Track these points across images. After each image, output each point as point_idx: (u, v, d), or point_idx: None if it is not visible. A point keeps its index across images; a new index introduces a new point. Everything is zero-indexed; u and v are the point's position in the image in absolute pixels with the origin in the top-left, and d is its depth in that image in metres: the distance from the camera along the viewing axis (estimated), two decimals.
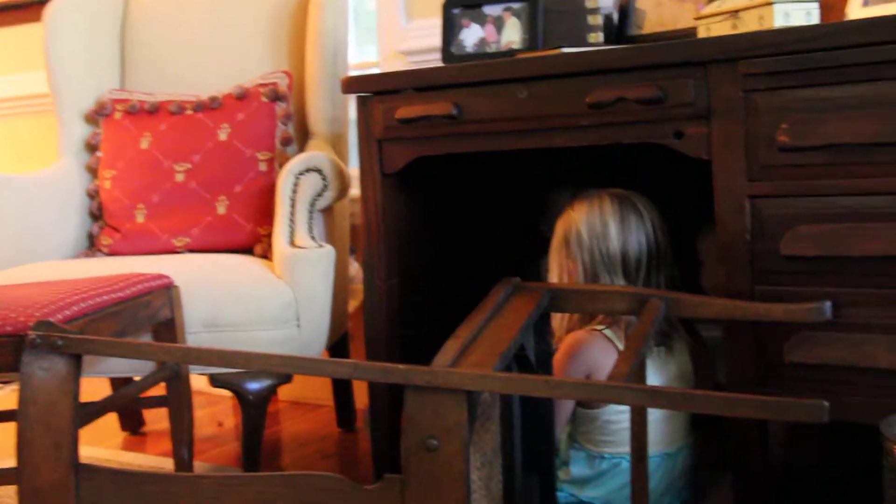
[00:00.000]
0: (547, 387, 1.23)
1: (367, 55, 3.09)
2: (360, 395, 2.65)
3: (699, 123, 1.59)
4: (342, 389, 2.59)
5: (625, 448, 1.78)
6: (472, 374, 1.26)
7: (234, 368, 1.64)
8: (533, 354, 1.60)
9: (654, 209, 1.84)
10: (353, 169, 2.51)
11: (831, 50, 1.45)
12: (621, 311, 1.60)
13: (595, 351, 1.79)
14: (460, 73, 1.82)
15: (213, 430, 2.69)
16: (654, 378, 1.77)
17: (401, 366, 1.30)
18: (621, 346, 1.78)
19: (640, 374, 1.47)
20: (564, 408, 1.77)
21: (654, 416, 1.74)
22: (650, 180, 2.13)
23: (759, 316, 1.50)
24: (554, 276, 1.90)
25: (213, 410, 2.84)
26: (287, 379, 2.11)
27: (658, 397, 1.15)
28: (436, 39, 2.58)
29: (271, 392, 2.03)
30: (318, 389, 2.82)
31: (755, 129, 1.53)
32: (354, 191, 2.24)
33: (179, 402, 1.86)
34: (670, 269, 1.84)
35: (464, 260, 2.25)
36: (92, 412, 1.64)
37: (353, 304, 2.55)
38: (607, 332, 1.80)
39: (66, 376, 1.39)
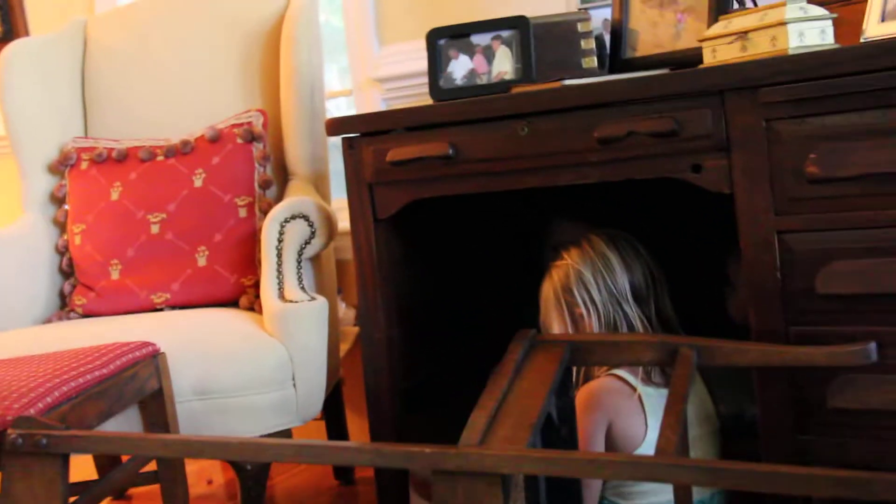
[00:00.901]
0: (592, 467, 1.12)
1: (330, 74, 2.96)
2: (356, 436, 2.53)
3: (718, 156, 1.50)
4: (337, 430, 2.47)
5: (657, 498, 1.69)
6: (507, 455, 1.16)
7: (242, 461, 1.52)
8: (555, 412, 1.50)
9: (637, 243, 1.79)
10: (335, 201, 2.42)
11: (861, 74, 1.36)
12: (649, 362, 1.50)
13: (612, 398, 1.71)
14: (456, 111, 1.72)
15: (202, 489, 2.56)
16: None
17: (427, 449, 1.19)
18: (637, 384, 1.71)
19: (685, 442, 1.37)
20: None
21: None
22: (665, 205, 2.05)
23: (799, 361, 1.41)
24: (555, 331, 1.80)
25: (201, 466, 2.71)
26: (287, 436, 1.99)
27: (720, 476, 1.05)
28: (411, 65, 2.50)
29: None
30: (311, 435, 2.69)
31: (780, 160, 1.44)
32: (340, 224, 2.13)
33: (172, 480, 1.74)
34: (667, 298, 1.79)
35: (463, 301, 2.14)
36: None
37: (343, 348, 2.44)
38: (620, 372, 1.72)
39: (53, 478, 1.27)
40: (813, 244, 1.43)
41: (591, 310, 1.74)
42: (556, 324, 1.78)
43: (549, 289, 1.80)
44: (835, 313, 1.43)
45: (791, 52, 1.50)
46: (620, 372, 1.72)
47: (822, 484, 1.00)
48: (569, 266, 1.77)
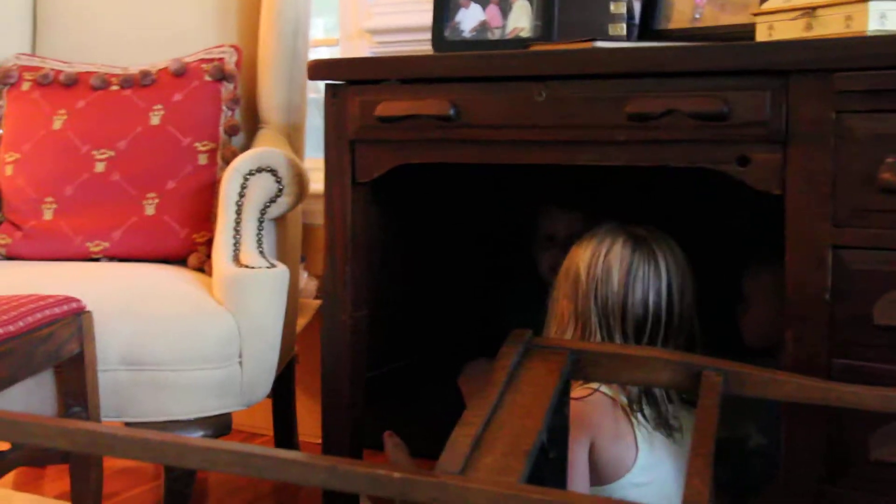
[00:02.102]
0: None
1: (315, 28, 2.70)
2: (306, 426, 2.30)
3: (772, 149, 1.27)
4: (284, 417, 2.23)
5: None
6: (495, 493, 0.92)
7: (162, 463, 1.28)
8: (546, 433, 1.27)
9: (681, 259, 1.54)
10: (309, 160, 2.19)
11: None
12: (664, 384, 1.28)
13: (595, 415, 1.50)
14: (462, 65, 1.48)
15: (130, 462, 2.31)
16: (675, 464, 1.48)
17: (396, 473, 0.95)
18: (624, 402, 1.50)
19: (713, 491, 1.14)
20: (579, 489, 1.45)
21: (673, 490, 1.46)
22: (672, 200, 1.82)
23: (844, 402, 1.18)
24: (553, 315, 1.58)
25: None
26: (226, 430, 1.73)
27: None
28: (408, 17, 2.25)
29: None
30: (253, 412, 2.44)
31: (848, 161, 1.22)
32: (312, 185, 1.89)
33: (84, 459, 1.49)
34: (688, 335, 1.53)
35: (443, 287, 1.92)
36: None
37: (301, 322, 2.20)
38: (604, 388, 1.51)
39: None
40: (876, 265, 1.22)
41: (571, 311, 1.52)
42: (554, 306, 1.56)
43: (564, 264, 1.56)
44: (893, 349, 1.21)
45: (869, 35, 1.27)
46: (604, 388, 1.51)
47: None
48: (576, 256, 1.54)
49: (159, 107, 1.95)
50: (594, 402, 1.49)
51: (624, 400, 1.50)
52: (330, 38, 2.63)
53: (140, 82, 1.98)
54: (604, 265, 1.49)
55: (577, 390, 1.52)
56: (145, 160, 1.92)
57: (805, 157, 1.24)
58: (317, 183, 1.80)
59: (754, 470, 1.68)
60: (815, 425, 1.27)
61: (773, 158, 1.27)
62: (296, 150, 2.07)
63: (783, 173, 1.26)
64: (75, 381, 1.49)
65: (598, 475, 1.48)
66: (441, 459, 0.99)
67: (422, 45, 1.96)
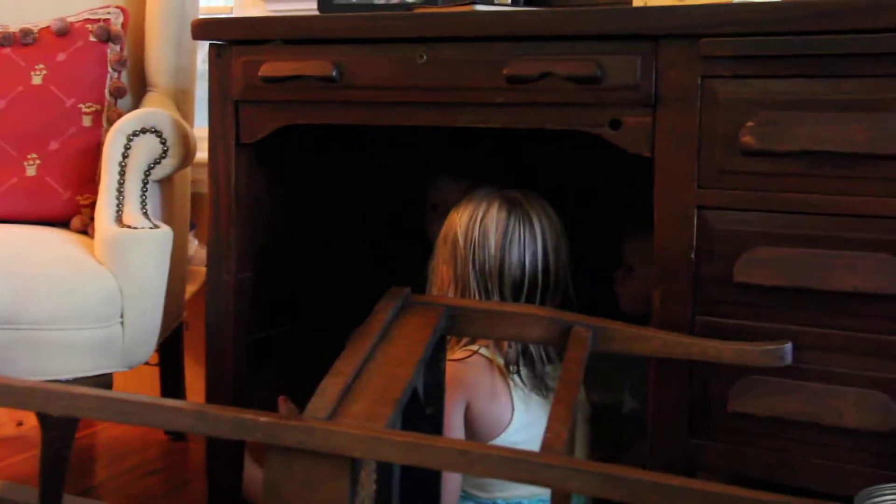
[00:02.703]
0: (463, 461, 0.92)
1: (215, 0, 2.68)
2: (194, 392, 2.28)
3: (642, 112, 1.30)
4: (172, 381, 2.22)
5: (521, 490, 1.52)
6: (360, 436, 0.94)
7: (26, 408, 1.26)
8: (422, 387, 1.29)
9: (555, 221, 1.57)
10: (199, 129, 2.16)
11: (822, 34, 1.18)
12: (536, 339, 1.31)
13: (474, 375, 1.52)
14: (343, 26, 1.48)
15: (10, 430, 2.26)
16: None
17: (262, 417, 0.97)
18: (501, 363, 1.53)
19: (573, 438, 1.17)
20: None
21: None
22: (567, 163, 1.85)
23: (706, 356, 1.24)
24: (434, 281, 1.60)
25: None
26: (107, 383, 1.72)
27: (619, 488, 0.85)
28: None
29: None
30: (140, 380, 2.42)
31: (712, 124, 1.26)
32: (199, 154, 1.87)
33: None
34: (563, 295, 1.56)
35: (332, 250, 1.92)
36: None
37: (190, 289, 2.18)
38: (483, 351, 1.54)
39: None
40: (736, 224, 1.26)
41: (451, 276, 1.54)
42: (435, 272, 1.58)
43: (442, 230, 1.58)
44: (751, 306, 1.26)
45: (735, 2, 1.31)
46: (483, 350, 1.54)
47: None
48: (453, 221, 1.56)
49: (41, 66, 1.90)
50: (471, 363, 1.52)
51: (501, 361, 1.53)
52: (225, 7, 2.60)
53: (20, 41, 1.93)
54: (480, 229, 1.51)
55: (457, 352, 1.54)
56: (26, 120, 1.87)
57: (672, 121, 1.28)
58: (205, 152, 1.79)
59: (629, 434, 1.73)
60: (680, 380, 1.31)
61: (643, 122, 1.30)
62: (184, 114, 2.04)
63: (653, 136, 1.30)
64: None
65: (475, 434, 1.50)
66: (309, 406, 1.00)
67: (314, 13, 1.96)
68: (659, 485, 0.85)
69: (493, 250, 1.50)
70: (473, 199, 1.57)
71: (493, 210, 1.52)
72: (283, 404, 1.70)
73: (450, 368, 1.44)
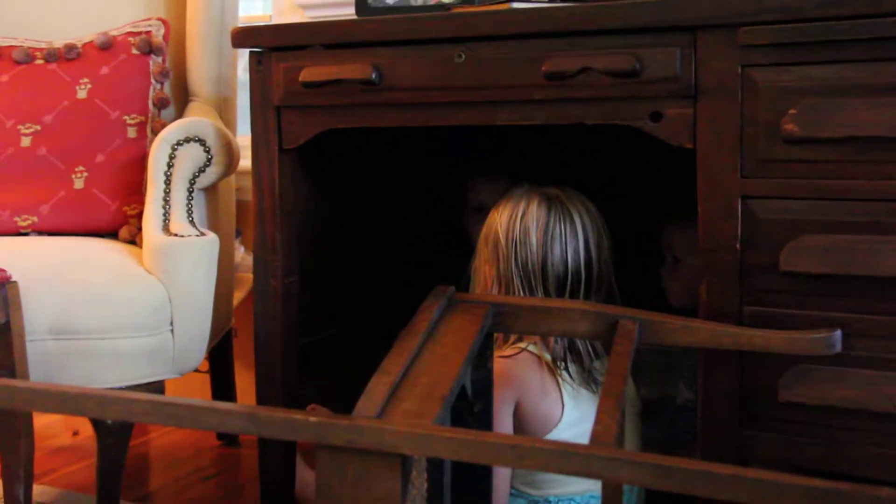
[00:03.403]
0: (513, 455, 0.92)
1: (254, 10, 2.72)
2: (245, 398, 2.31)
3: (683, 104, 1.31)
4: (223, 387, 2.26)
5: (573, 487, 1.53)
6: (410, 433, 0.95)
7: (82, 415, 1.28)
8: (470, 385, 1.30)
9: (595, 215, 1.58)
10: (242, 137, 2.20)
11: (864, 18, 1.17)
12: (583, 334, 1.32)
13: (523, 371, 1.53)
14: (381, 29, 1.50)
15: (67, 440, 2.31)
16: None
17: (312, 417, 0.98)
18: (549, 359, 1.53)
19: (622, 430, 1.18)
20: None
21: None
22: (605, 157, 1.86)
23: (754, 346, 1.23)
24: (477, 281, 1.61)
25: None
26: (159, 390, 1.75)
27: (672, 478, 0.86)
28: None
29: None
30: (192, 386, 2.46)
31: (754, 113, 1.26)
32: (243, 162, 1.90)
33: (11, 427, 1.49)
34: (607, 290, 1.58)
35: (377, 252, 1.94)
36: None
37: (238, 297, 2.22)
38: (532, 347, 1.55)
39: None
40: (781, 213, 1.26)
41: (494, 275, 1.56)
42: (478, 271, 1.60)
43: (483, 230, 1.60)
44: (798, 295, 1.26)
45: None
46: (532, 347, 1.55)
47: (799, 496, 0.81)
48: (494, 220, 1.57)
49: (86, 80, 1.94)
50: (520, 360, 1.53)
51: (549, 357, 1.54)
52: (264, 15, 2.64)
53: (65, 56, 1.97)
54: (521, 227, 1.52)
55: (505, 349, 1.56)
56: (73, 134, 1.91)
57: (713, 111, 1.28)
58: (249, 159, 1.82)
59: (683, 426, 1.73)
60: (729, 371, 1.31)
61: (684, 113, 1.30)
62: (227, 122, 2.07)
63: (694, 127, 1.30)
64: (2, 351, 1.49)
65: (525, 432, 1.51)
66: (358, 405, 1.02)
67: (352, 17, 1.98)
68: (710, 474, 0.85)
69: (534, 247, 1.51)
70: (512, 197, 1.58)
71: (533, 207, 1.53)
72: (313, 413, 1.71)
73: (498, 365, 1.45)
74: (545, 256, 1.51)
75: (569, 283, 1.51)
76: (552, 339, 1.54)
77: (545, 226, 1.52)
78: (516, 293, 1.53)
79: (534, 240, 1.52)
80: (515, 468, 1.53)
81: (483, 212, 1.93)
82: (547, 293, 1.52)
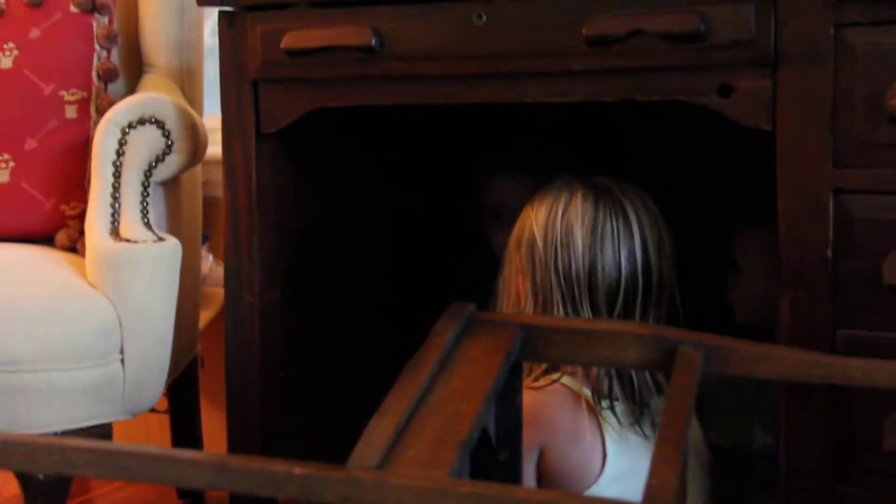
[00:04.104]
0: None
1: None
2: (214, 443, 2.34)
3: (759, 74, 1.33)
4: (186, 431, 2.29)
5: None
6: (419, 488, 0.97)
7: (7, 468, 1.30)
8: (493, 427, 1.32)
9: (654, 211, 1.60)
10: (210, 118, 2.22)
11: None
12: (634, 363, 1.32)
13: (549, 410, 1.55)
14: None
15: None
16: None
17: (297, 468, 1.00)
18: (589, 396, 1.55)
19: (684, 484, 1.19)
20: None
21: None
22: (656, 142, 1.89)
23: (851, 380, 1.23)
24: (506, 297, 1.63)
25: None
26: (105, 436, 1.78)
27: None
28: None
29: None
30: (148, 430, 2.50)
31: (851, 85, 1.28)
32: (211, 149, 1.93)
33: None
34: (669, 303, 1.60)
35: (377, 263, 1.96)
36: None
37: (205, 317, 2.25)
38: (566, 380, 1.57)
39: None
40: (885, 212, 1.28)
41: (529, 288, 1.58)
42: (506, 282, 1.62)
43: (514, 232, 1.62)
44: None
45: None
46: (566, 379, 1.57)
47: None
48: (528, 219, 1.59)
49: (11, 45, 1.99)
50: (549, 394, 1.55)
51: (588, 393, 1.55)
52: None
53: None
54: (563, 225, 1.54)
55: (533, 386, 1.57)
56: None
57: (798, 83, 1.30)
58: (218, 146, 1.85)
59: (760, 477, 1.74)
60: (819, 411, 1.32)
61: (760, 86, 1.33)
62: (191, 100, 2.11)
63: (773, 104, 1.32)
64: None
65: (555, 488, 1.53)
66: (354, 453, 1.03)
67: None
68: None
69: (580, 249, 1.53)
70: (551, 190, 1.60)
71: (577, 201, 1.55)
72: None
73: (527, 402, 1.46)
74: (593, 261, 1.53)
75: (621, 294, 1.53)
76: (594, 370, 1.55)
77: (592, 223, 1.53)
78: (556, 309, 1.55)
79: (579, 240, 1.53)
80: None
81: (506, 216, 1.96)
82: (595, 308, 1.54)
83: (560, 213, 1.55)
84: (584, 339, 1.33)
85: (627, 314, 1.55)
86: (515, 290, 1.61)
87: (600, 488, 1.52)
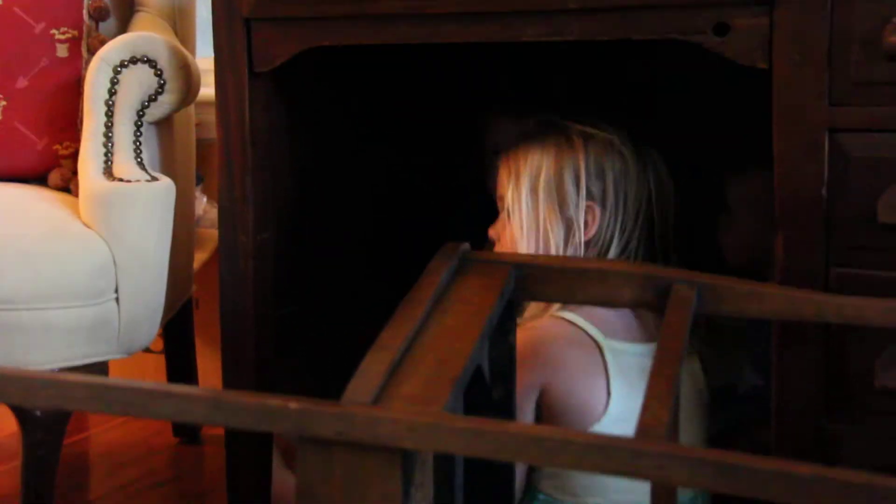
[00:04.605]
0: (538, 450, 0.94)
1: None
2: (208, 383, 2.37)
3: (756, 12, 1.32)
4: (182, 370, 2.32)
5: (620, 495, 1.55)
6: (413, 423, 0.97)
7: (3, 401, 1.31)
8: (488, 364, 1.32)
9: (654, 154, 1.63)
10: (202, 60, 2.21)
11: None
12: (628, 302, 1.33)
13: (556, 349, 1.56)
14: None
15: None
16: None
17: (293, 402, 1.00)
18: (596, 333, 1.56)
19: (677, 422, 1.20)
20: None
21: None
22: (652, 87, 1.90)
23: (844, 317, 1.24)
24: (502, 240, 1.63)
25: None
26: (102, 372, 1.79)
27: (736, 475, 0.87)
28: None
29: None
30: (143, 369, 2.52)
31: (848, 22, 1.27)
32: (204, 89, 1.92)
33: None
34: (663, 241, 1.64)
35: (373, 205, 1.97)
36: None
37: (200, 258, 2.26)
38: (570, 315, 1.57)
39: None
40: (880, 150, 1.27)
41: (526, 236, 1.58)
42: (523, 225, 1.61)
43: (542, 167, 1.61)
44: None
45: None
46: (570, 315, 1.57)
47: None
48: (525, 164, 1.59)
49: None
50: (550, 329, 1.56)
51: (595, 331, 1.55)
52: None
53: None
54: (560, 167, 1.56)
55: (538, 321, 1.58)
56: None
57: (796, 20, 1.29)
58: (211, 87, 1.84)
59: (751, 416, 1.75)
60: (811, 349, 1.33)
61: (757, 24, 1.32)
62: (183, 39, 2.10)
63: (769, 42, 1.31)
64: None
65: (554, 424, 1.54)
66: (349, 389, 1.04)
67: None
68: (788, 475, 0.87)
69: (581, 190, 1.55)
70: (549, 134, 1.61)
71: (575, 144, 1.56)
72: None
73: (521, 336, 1.46)
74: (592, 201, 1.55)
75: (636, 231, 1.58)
76: (598, 310, 1.56)
77: (589, 164, 1.56)
78: (556, 250, 1.56)
79: (581, 180, 1.56)
80: (544, 467, 1.56)
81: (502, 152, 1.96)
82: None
83: (557, 155, 1.57)
84: (578, 277, 1.33)
85: (626, 255, 1.57)
86: (510, 234, 1.61)
87: (603, 427, 1.52)
